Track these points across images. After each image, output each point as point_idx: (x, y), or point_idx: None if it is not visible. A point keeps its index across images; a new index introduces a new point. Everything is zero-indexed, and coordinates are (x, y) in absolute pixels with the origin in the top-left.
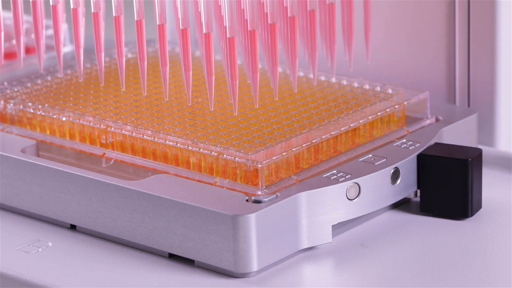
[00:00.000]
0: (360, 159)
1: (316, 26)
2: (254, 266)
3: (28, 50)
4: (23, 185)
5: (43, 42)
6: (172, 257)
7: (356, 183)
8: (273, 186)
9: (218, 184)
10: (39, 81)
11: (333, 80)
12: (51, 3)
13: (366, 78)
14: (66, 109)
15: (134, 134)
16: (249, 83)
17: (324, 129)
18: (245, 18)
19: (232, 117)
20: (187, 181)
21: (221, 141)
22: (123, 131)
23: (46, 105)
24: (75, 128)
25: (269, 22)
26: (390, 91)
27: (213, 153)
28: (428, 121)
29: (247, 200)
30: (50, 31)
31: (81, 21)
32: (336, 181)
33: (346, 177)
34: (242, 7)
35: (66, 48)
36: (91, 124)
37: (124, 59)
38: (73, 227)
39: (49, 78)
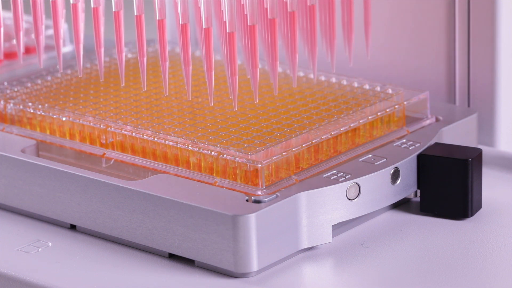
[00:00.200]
0: (360, 159)
1: (316, 21)
2: (254, 266)
3: (28, 50)
4: (23, 185)
5: (42, 37)
6: (172, 257)
7: (356, 183)
8: (273, 186)
9: (218, 184)
10: (39, 81)
11: (333, 80)
12: None
13: (366, 78)
14: (66, 109)
15: (134, 134)
16: (249, 82)
17: (324, 129)
18: (245, 13)
19: (232, 117)
20: (187, 181)
21: (221, 141)
22: (123, 131)
23: (46, 105)
24: (75, 128)
25: (269, 17)
26: (390, 91)
27: (213, 153)
28: (428, 121)
29: (247, 200)
30: (50, 31)
31: (81, 16)
32: (336, 181)
33: (346, 177)
34: (242, 2)
35: (66, 48)
36: (91, 124)
37: (123, 54)
38: (73, 227)
39: (49, 78)
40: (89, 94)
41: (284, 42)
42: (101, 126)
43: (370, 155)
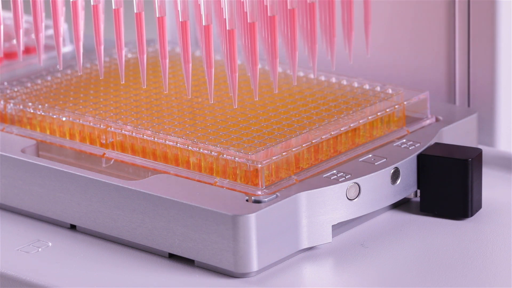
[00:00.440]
0: (360, 159)
1: (316, 18)
2: (254, 266)
3: (28, 50)
4: (23, 185)
5: (42, 36)
6: (172, 257)
7: (356, 183)
8: (273, 186)
9: (218, 184)
10: (39, 81)
11: (333, 80)
12: None
13: (366, 78)
14: (66, 109)
15: (134, 134)
16: (249, 81)
17: (324, 129)
18: (245, 10)
19: (232, 117)
20: (187, 181)
21: (221, 141)
22: (123, 131)
23: (46, 105)
24: (75, 128)
25: (268, 14)
26: (390, 91)
27: (213, 153)
28: (428, 121)
29: (247, 200)
30: (50, 31)
31: (81, 14)
32: (336, 181)
33: (346, 177)
34: (241, 0)
35: (66, 48)
36: (91, 124)
37: (123, 52)
38: (73, 227)
39: (49, 78)
40: (89, 94)
41: (284, 40)
42: (101, 126)
43: (370, 155)
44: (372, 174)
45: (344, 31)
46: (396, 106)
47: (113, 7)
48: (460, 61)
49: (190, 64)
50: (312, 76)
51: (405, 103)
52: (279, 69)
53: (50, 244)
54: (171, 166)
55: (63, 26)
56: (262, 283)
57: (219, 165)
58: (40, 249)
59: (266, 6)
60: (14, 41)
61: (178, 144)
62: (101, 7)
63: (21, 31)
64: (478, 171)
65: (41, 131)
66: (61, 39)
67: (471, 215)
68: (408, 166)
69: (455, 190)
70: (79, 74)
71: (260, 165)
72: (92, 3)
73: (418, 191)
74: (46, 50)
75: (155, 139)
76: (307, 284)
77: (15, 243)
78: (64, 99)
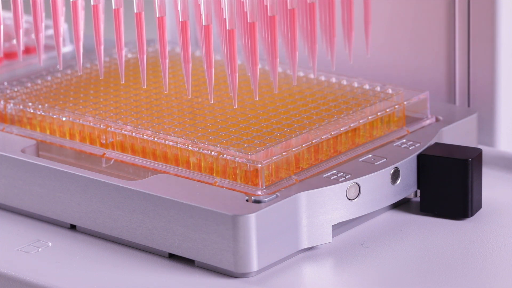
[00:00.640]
0: (360, 159)
1: (316, 18)
2: (254, 266)
3: (28, 50)
4: (23, 185)
5: (42, 35)
6: (172, 257)
7: (356, 183)
8: (273, 186)
9: (218, 184)
10: (39, 81)
11: (333, 80)
12: None
13: (366, 78)
14: (66, 109)
15: (134, 134)
16: (249, 81)
17: (324, 129)
18: (245, 10)
19: (232, 117)
20: (187, 181)
21: (221, 141)
22: (123, 131)
23: (46, 105)
24: (75, 128)
25: (268, 14)
26: (390, 91)
27: (213, 153)
28: (428, 121)
29: (247, 200)
30: (50, 31)
31: (81, 14)
32: (336, 181)
33: (346, 177)
34: (241, 0)
35: (66, 48)
36: (91, 124)
37: (123, 52)
38: (73, 227)
39: (49, 78)
40: (89, 94)
41: (284, 39)
42: (101, 126)
43: (370, 155)
44: (372, 174)
45: (344, 31)
46: (396, 106)
47: (113, 7)
48: (460, 61)
49: (190, 64)
50: (312, 76)
51: (405, 103)
52: (279, 69)
53: (50, 244)
54: (171, 166)
55: (63, 26)
56: (262, 283)
57: (219, 165)
58: (40, 249)
59: (266, 6)
60: (14, 41)
61: (178, 144)
62: (101, 7)
63: (21, 31)
64: (478, 171)
65: (41, 131)
66: (61, 39)
67: (471, 215)
68: (408, 166)
69: (455, 190)
70: (79, 74)
71: (260, 165)
72: (92, 3)
73: (418, 191)
74: (46, 50)
75: (155, 139)
76: (307, 284)
77: (15, 243)
78: (64, 99)
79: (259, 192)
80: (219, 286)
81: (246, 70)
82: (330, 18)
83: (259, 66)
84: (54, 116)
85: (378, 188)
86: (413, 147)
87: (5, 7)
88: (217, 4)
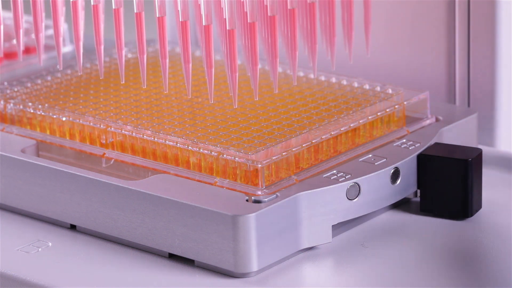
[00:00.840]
0: (360, 159)
1: (316, 18)
2: (254, 266)
3: (28, 50)
4: (23, 185)
5: (42, 35)
6: (172, 257)
7: (356, 183)
8: (273, 186)
9: (218, 184)
10: (39, 81)
11: (333, 80)
12: None
13: (366, 78)
14: (66, 109)
15: (134, 134)
16: (249, 81)
17: (324, 129)
18: (245, 10)
19: (232, 117)
20: (187, 181)
21: (221, 141)
22: (123, 131)
23: (46, 105)
24: (75, 128)
25: (269, 14)
26: (390, 91)
27: (213, 153)
28: (428, 121)
29: (247, 200)
30: (50, 31)
31: (81, 14)
32: (336, 181)
33: (346, 177)
34: (241, 0)
35: (66, 48)
36: (91, 124)
37: (123, 52)
38: (73, 227)
39: (49, 78)
40: (89, 94)
41: (284, 39)
42: (101, 126)
43: (370, 155)
44: (372, 174)
45: (344, 31)
46: (396, 106)
47: (113, 7)
48: (460, 61)
49: (190, 64)
50: (312, 76)
51: (405, 103)
52: (279, 69)
53: (50, 244)
54: (171, 166)
55: (63, 26)
56: (262, 283)
57: (219, 165)
58: (40, 249)
59: (266, 6)
60: (14, 41)
61: (178, 144)
62: (101, 7)
63: (21, 31)
64: (478, 171)
65: (41, 131)
66: (61, 39)
67: (471, 215)
68: (408, 166)
69: (455, 190)
70: (79, 74)
71: (260, 165)
72: (92, 3)
73: (418, 191)
74: (46, 50)
75: (155, 139)
76: (307, 284)
77: (15, 243)
78: (64, 99)
79: (259, 192)
80: (219, 286)
81: (246, 70)
82: (330, 18)
83: (259, 66)
84: (54, 116)
85: (378, 188)
86: (413, 147)
87: (5, 7)
88: (217, 4)
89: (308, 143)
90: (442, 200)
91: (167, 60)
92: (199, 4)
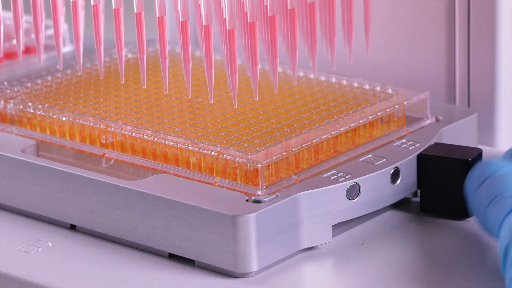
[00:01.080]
0: (360, 159)
1: (316, 18)
2: (254, 266)
3: (28, 50)
4: (23, 185)
5: (42, 35)
6: (172, 257)
7: (356, 183)
8: (273, 186)
9: (218, 184)
10: (39, 81)
11: (333, 80)
12: None
13: (366, 78)
14: (66, 109)
15: (134, 134)
16: (249, 81)
17: (324, 129)
18: (245, 10)
19: (232, 117)
20: (187, 181)
21: (221, 141)
22: (123, 131)
23: (46, 105)
24: (75, 128)
25: (268, 14)
26: (390, 91)
27: (213, 153)
28: (428, 121)
29: (247, 200)
30: (50, 31)
31: (81, 14)
32: (336, 181)
33: (346, 177)
34: (241, 0)
35: (66, 48)
36: (91, 124)
37: (123, 52)
38: (73, 227)
39: (49, 78)
40: (89, 94)
41: (284, 40)
42: (101, 126)
43: (370, 155)
44: (372, 174)
45: (344, 31)
46: (396, 106)
47: (113, 7)
48: (460, 61)
49: (190, 64)
50: (312, 76)
51: (405, 103)
52: (279, 69)
53: (50, 244)
54: (171, 166)
55: (63, 26)
56: (262, 283)
57: (219, 165)
58: (40, 249)
59: (266, 6)
60: (14, 41)
61: (178, 144)
62: (101, 7)
63: (21, 31)
64: None
65: (41, 131)
66: (61, 39)
67: (471, 215)
68: (408, 166)
69: (455, 190)
70: (79, 74)
71: (260, 165)
72: (92, 3)
73: (418, 191)
74: (46, 50)
75: (155, 139)
76: (307, 284)
77: (15, 243)
78: (64, 99)
79: (259, 192)
80: (219, 286)
81: (246, 70)
82: (330, 18)
83: (259, 66)
84: (54, 116)
85: (378, 188)
86: (413, 147)
87: (5, 7)
88: (217, 4)
89: (308, 143)
90: (442, 200)
91: (167, 60)
92: (199, 4)
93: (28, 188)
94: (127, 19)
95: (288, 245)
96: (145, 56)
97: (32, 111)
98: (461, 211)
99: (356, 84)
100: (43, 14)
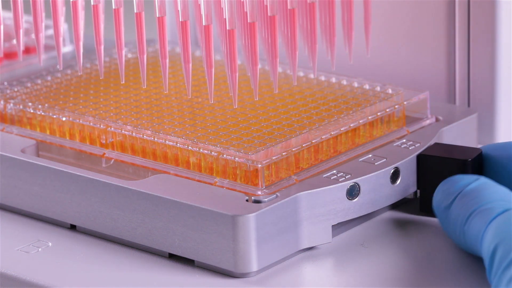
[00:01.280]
0: (360, 159)
1: (316, 18)
2: (254, 266)
3: (28, 50)
4: (23, 185)
5: (42, 35)
6: (172, 257)
7: (356, 183)
8: (273, 186)
9: (218, 184)
10: (39, 81)
11: (333, 80)
12: None
13: (366, 78)
14: (66, 109)
15: (134, 134)
16: (249, 81)
17: (324, 129)
18: (245, 10)
19: (232, 117)
20: (187, 181)
21: (221, 141)
22: (123, 131)
23: (46, 105)
24: (75, 128)
25: (268, 14)
26: (390, 91)
27: (213, 153)
28: (428, 121)
29: (247, 200)
30: (50, 31)
31: (81, 14)
32: (336, 181)
33: (346, 177)
34: (241, 0)
35: (66, 48)
36: (91, 124)
37: (123, 52)
38: (73, 227)
39: (49, 78)
40: (89, 94)
41: (284, 40)
42: (101, 126)
43: (370, 155)
44: (372, 174)
45: (344, 31)
46: (396, 106)
47: (113, 7)
48: (460, 61)
49: (190, 64)
50: (312, 76)
51: (405, 103)
52: (279, 69)
53: (50, 244)
54: (171, 166)
55: (63, 26)
56: (262, 283)
57: (219, 165)
58: (40, 249)
59: (266, 6)
60: (14, 41)
61: (178, 144)
62: (101, 7)
63: (21, 31)
64: (478, 171)
65: (41, 131)
66: (61, 39)
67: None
68: (408, 166)
69: None
70: (79, 74)
71: (260, 165)
72: (92, 3)
73: (418, 191)
74: (46, 50)
75: (155, 139)
76: (307, 284)
77: (15, 243)
78: (64, 99)
79: (259, 192)
80: (219, 286)
81: (246, 70)
82: (330, 18)
83: (259, 66)
84: (54, 116)
85: (378, 188)
86: (413, 147)
87: (5, 7)
88: (217, 4)
89: (308, 143)
90: None
91: (167, 60)
92: (199, 4)
93: (28, 188)
94: (127, 19)
95: (288, 245)
96: (145, 56)
97: (32, 111)
98: None
99: (356, 84)
100: (43, 14)
